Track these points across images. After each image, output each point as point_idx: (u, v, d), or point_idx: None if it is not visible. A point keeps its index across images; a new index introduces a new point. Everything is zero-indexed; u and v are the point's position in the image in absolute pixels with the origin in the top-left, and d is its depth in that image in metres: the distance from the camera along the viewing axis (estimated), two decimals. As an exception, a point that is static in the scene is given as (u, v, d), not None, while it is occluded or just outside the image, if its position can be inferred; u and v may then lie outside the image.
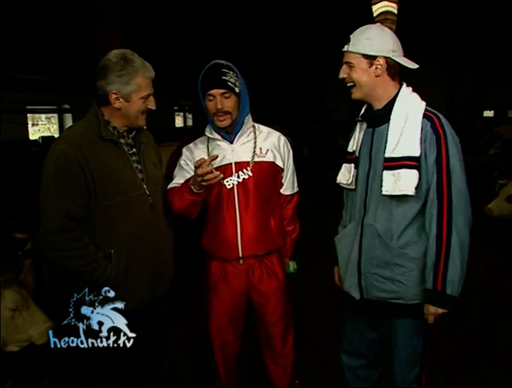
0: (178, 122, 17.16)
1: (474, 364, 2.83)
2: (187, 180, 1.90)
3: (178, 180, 2.01)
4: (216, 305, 2.08)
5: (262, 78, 9.59)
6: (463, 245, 1.61)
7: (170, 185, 2.00)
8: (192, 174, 1.91)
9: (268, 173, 2.05)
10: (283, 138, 2.12)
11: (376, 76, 1.68)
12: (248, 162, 2.00)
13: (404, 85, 1.73)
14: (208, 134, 2.04)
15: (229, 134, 2.02)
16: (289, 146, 2.14)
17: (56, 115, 10.44)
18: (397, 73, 1.71)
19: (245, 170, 1.99)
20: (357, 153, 1.80)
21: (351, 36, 1.71)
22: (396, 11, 13.61)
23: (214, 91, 1.91)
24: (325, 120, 18.08)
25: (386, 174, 1.64)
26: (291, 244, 2.23)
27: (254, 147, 2.03)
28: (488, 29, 14.56)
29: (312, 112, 19.45)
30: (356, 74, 1.70)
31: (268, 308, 2.08)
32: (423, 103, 1.68)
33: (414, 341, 1.74)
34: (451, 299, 1.61)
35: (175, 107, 15.83)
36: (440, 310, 1.63)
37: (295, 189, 2.19)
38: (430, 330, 1.75)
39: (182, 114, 17.40)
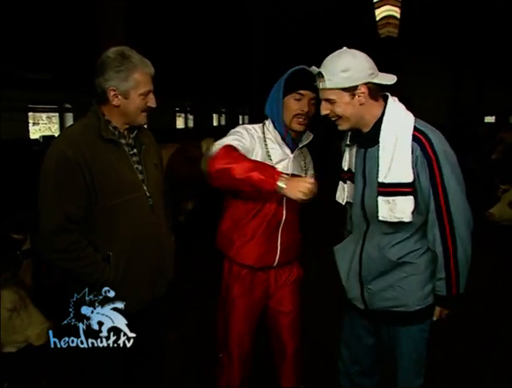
0: (179, 123, 17.18)
1: (475, 366, 2.82)
2: (268, 166, 1.67)
3: (240, 142, 1.82)
4: (239, 320, 2.03)
5: (262, 78, 9.59)
6: (468, 253, 1.63)
7: (231, 142, 1.77)
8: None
9: None
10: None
11: (361, 104, 1.60)
12: (300, 176, 1.93)
13: (390, 98, 1.67)
14: (270, 135, 1.94)
15: (294, 142, 1.96)
16: None
17: (57, 114, 10.43)
18: (378, 91, 1.64)
19: None
20: (351, 171, 1.77)
21: (323, 71, 1.59)
22: (398, 15, 13.62)
23: (306, 92, 1.86)
24: (325, 120, 18.10)
25: (381, 200, 1.61)
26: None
27: (304, 160, 2.02)
28: (491, 30, 14.55)
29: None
30: (340, 109, 1.61)
31: (284, 308, 2.08)
32: (411, 119, 1.61)
33: (419, 347, 1.74)
34: (462, 296, 1.67)
35: (176, 108, 15.83)
36: (452, 309, 1.70)
37: None
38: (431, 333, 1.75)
39: (183, 115, 17.41)
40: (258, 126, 1.97)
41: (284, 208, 1.95)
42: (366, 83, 1.58)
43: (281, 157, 1.92)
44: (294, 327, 2.11)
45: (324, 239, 1.88)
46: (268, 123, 1.96)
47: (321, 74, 1.60)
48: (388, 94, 1.68)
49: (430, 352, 1.77)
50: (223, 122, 20.41)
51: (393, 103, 1.66)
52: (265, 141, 1.92)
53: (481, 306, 3.57)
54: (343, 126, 1.67)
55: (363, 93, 1.58)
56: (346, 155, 1.80)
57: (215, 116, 20.28)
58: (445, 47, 17.44)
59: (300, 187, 1.54)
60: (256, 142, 1.89)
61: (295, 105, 1.87)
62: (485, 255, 4.61)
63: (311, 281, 2.35)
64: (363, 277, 1.73)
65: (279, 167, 1.86)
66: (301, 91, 1.86)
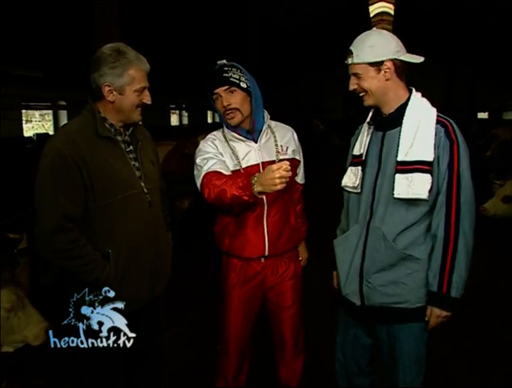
0: (174, 120, 17.12)
1: (474, 364, 2.83)
2: (242, 177, 1.74)
3: (218, 166, 1.86)
4: (234, 309, 2.07)
5: (261, 77, 9.61)
6: (469, 248, 1.63)
7: (209, 170, 1.84)
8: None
9: (291, 170, 2.05)
10: (293, 131, 2.14)
11: (386, 80, 1.66)
12: (274, 161, 1.96)
13: (414, 90, 1.72)
14: (229, 135, 2.00)
15: (252, 133, 2.00)
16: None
17: (50, 111, 10.35)
18: (404, 72, 1.69)
19: None
20: (364, 156, 1.77)
21: (352, 48, 1.68)
22: (392, 12, 13.61)
23: (217, 90, 1.93)
24: (323, 119, 18.16)
25: (398, 177, 1.62)
26: (305, 226, 2.27)
27: (276, 145, 2.02)
28: (489, 30, 14.60)
29: (310, 112, 19.49)
30: (366, 83, 1.67)
31: (285, 303, 2.10)
32: (434, 109, 1.67)
33: (419, 345, 1.73)
34: (455, 301, 1.63)
35: (171, 106, 15.76)
36: (444, 313, 1.65)
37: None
38: (430, 332, 1.74)
39: (177, 112, 17.34)
40: (218, 132, 2.05)
41: (265, 199, 1.97)
42: (392, 59, 1.63)
43: (246, 150, 1.98)
44: (295, 321, 2.13)
45: (323, 234, 1.86)
46: (224, 125, 2.03)
47: (350, 51, 1.67)
48: (413, 89, 1.73)
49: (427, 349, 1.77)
50: (217, 119, 20.35)
51: (418, 94, 1.71)
52: (227, 142, 1.99)
53: (477, 301, 3.59)
54: (368, 101, 1.71)
55: (388, 68, 1.64)
56: (363, 138, 1.80)
57: (209, 113, 20.24)
58: (439, 45, 17.50)
59: (270, 181, 1.59)
60: (219, 147, 1.96)
61: (217, 105, 1.97)
62: (480, 249, 4.63)
63: (312, 275, 2.36)
64: (365, 270, 1.71)
65: (248, 161, 1.94)
66: (215, 91, 1.94)
